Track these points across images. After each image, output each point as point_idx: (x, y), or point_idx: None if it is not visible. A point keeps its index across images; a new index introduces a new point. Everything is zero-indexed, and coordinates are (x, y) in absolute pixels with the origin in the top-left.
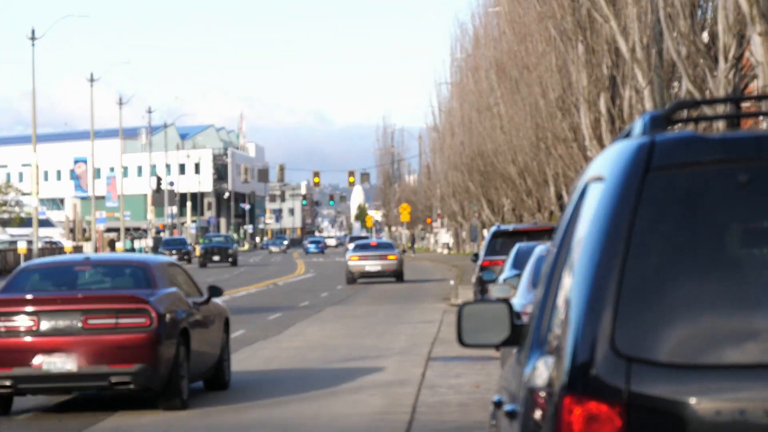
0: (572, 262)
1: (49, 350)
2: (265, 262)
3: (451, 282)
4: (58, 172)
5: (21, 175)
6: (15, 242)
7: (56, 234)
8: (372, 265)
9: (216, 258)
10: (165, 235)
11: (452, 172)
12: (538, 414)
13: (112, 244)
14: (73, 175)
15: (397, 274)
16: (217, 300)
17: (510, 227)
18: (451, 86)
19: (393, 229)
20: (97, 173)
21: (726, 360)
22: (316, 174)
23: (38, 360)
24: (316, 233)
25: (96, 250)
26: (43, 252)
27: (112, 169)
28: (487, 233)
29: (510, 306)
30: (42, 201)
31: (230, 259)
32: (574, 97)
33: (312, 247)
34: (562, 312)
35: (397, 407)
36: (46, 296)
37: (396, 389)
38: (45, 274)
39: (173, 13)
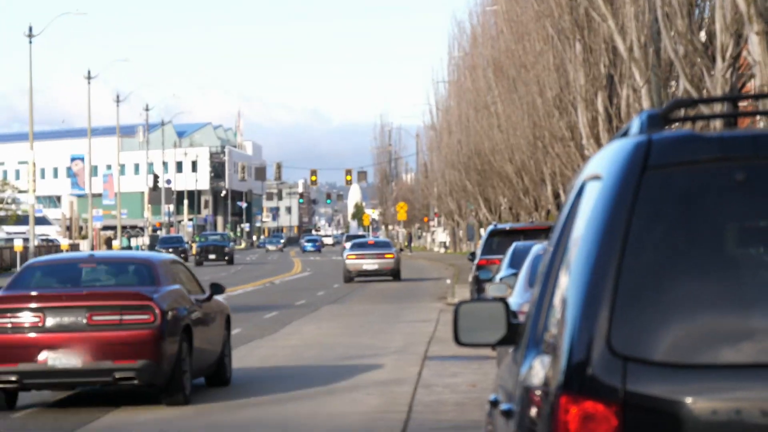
0: (569, 261)
1: (54, 346)
2: (262, 261)
3: (448, 281)
4: (55, 170)
5: (18, 172)
6: (11, 240)
7: (53, 232)
8: (369, 264)
9: (212, 256)
10: (162, 233)
11: (449, 170)
12: (534, 413)
13: (108, 242)
14: (70, 173)
15: (394, 273)
16: (219, 297)
17: (507, 226)
18: (449, 85)
19: (390, 227)
20: (94, 171)
21: (722, 360)
22: (314, 172)
23: (43, 356)
24: (313, 232)
25: (92, 248)
26: (39, 250)
27: (109, 167)
28: (484, 232)
29: (506, 305)
30: (38, 198)
31: (227, 258)
32: (571, 95)
33: (309, 246)
34: (559, 311)
35: (393, 406)
36: (52, 293)
37: (392, 388)
38: (50, 271)
39: (171, 11)
